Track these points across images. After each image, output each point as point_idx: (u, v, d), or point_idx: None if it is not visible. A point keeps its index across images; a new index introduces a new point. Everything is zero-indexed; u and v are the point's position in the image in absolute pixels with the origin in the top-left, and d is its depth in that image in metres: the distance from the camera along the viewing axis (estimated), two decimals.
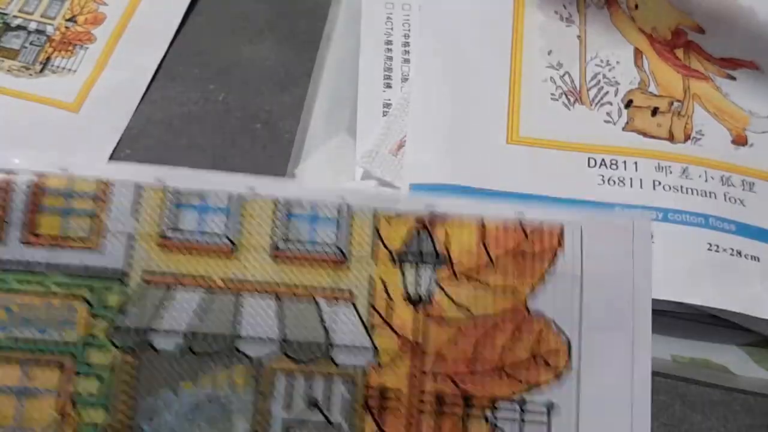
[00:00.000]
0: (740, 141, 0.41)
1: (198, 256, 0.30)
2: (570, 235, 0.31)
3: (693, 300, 0.36)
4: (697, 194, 0.39)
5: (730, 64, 0.43)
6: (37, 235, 0.30)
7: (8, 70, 0.42)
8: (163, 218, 0.30)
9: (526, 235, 0.31)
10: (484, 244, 0.31)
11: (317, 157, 0.41)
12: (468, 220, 0.31)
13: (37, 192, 0.30)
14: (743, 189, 0.39)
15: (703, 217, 0.38)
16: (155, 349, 0.30)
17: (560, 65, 0.42)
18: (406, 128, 0.41)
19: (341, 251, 0.31)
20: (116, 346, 0.30)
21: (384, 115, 0.42)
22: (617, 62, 0.43)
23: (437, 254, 0.31)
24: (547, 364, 0.31)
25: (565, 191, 0.39)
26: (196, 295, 0.30)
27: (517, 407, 0.30)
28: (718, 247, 0.37)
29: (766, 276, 0.37)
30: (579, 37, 0.43)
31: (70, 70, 0.42)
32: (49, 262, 0.30)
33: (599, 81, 0.42)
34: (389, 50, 0.44)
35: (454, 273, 0.31)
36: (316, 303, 0.31)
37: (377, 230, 0.31)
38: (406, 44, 0.44)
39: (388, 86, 0.43)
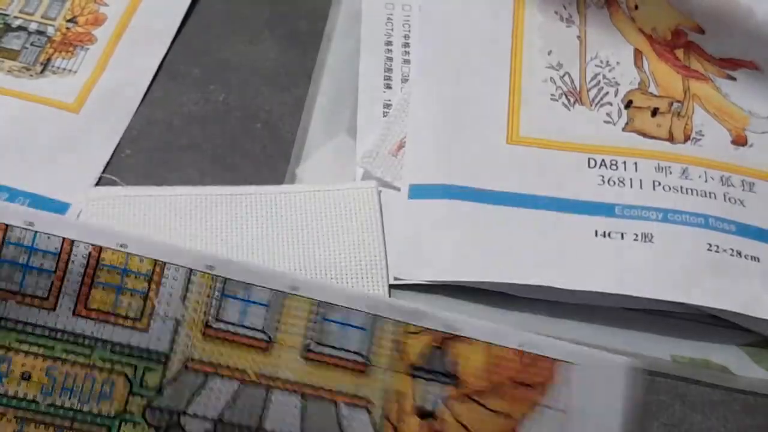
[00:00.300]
0: (740, 141, 0.41)
1: (237, 348, 0.32)
2: (564, 371, 0.33)
3: (693, 300, 0.36)
4: (697, 194, 0.39)
5: (730, 65, 0.43)
6: (89, 309, 0.31)
7: (9, 71, 0.42)
8: (209, 307, 0.32)
9: (526, 366, 0.33)
10: (492, 369, 0.33)
11: (317, 157, 0.41)
12: (479, 343, 0.33)
13: (94, 265, 0.31)
14: (743, 189, 0.39)
15: (703, 218, 0.38)
16: (185, 431, 0.31)
17: (560, 65, 0.42)
18: (406, 128, 0.41)
19: (367, 359, 0.32)
20: (149, 424, 0.31)
21: (384, 116, 0.42)
22: (617, 63, 0.43)
23: (448, 373, 0.33)
24: None
25: (565, 191, 0.39)
26: (231, 385, 0.31)
27: None
28: (718, 247, 0.37)
29: (766, 276, 0.37)
30: (579, 37, 0.43)
31: (70, 70, 0.42)
32: (96, 336, 0.31)
33: (599, 81, 0.42)
34: (389, 50, 0.44)
35: (462, 392, 0.33)
36: (336, 405, 0.32)
37: (400, 343, 0.33)
38: (406, 44, 0.44)
39: (388, 87, 0.43)
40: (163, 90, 0.43)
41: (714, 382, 0.36)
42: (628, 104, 0.42)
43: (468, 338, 0.33)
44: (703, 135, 0.41)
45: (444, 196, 0.39)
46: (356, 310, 0.32)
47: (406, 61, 0.44)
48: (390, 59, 0.43)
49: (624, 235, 0.38)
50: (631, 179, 0.39)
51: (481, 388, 0.33)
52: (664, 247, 0.37)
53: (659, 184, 0.39)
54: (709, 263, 0.37)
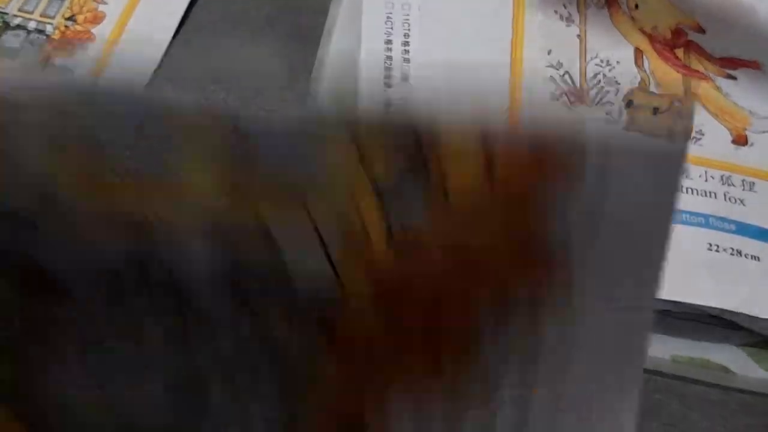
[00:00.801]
0: (740, 141, 0.41)
1: None
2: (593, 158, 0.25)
3: (693, 300, 0.36)
4: (697, 194, 0.39)
5: (730, 64, 0.43)
6: None
7: None
8: None
9: (540, 157, 0.24)
10: (488, 171, 0.25)
11: None
12: (471, 146, 0.24)
13: None
14: (743, 189, 0.39)
15: (703, 217, 0.38)
16: None
17: (560, 65, 0.42)
18: None
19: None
20: None
21: None
22: (617, 62, 0.43)
23: (429, 183, 0.25)
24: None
25: None
26: None
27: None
28: (718, 247, 0.37)
29: (766, 276, 0.37)
30: (579, 36, 0.43)
31: (69, 70, 0.42)
32: None
33: (599, 81, 0.42)
34: (389, 50, 0.44)
35: (448, 202, 0.25)
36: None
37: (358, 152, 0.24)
38: (406, 43, 0.44)
39: (388, 86, 0.43)
40: (162, 90, 0.43)
41: (713, 382, 0.36)
42: (629, 104, 0.42)
43: (456, 137, 0.24)
44: (703, 134, 0.41)
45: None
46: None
47: (406, 60, 0.43)
48: (390, 59, 0.43)
49: None
50: None
51: (474, 197, 0.24)
52: None
53: None
54: (709, 263, 0.37)
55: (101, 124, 0.23)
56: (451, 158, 0.24)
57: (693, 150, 0.40)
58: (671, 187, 0.25)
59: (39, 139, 0.23)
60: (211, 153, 0.24)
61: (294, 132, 0.24)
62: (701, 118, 0.42)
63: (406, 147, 0.24)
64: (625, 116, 0.41)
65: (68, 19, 0.44)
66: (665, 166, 0.25)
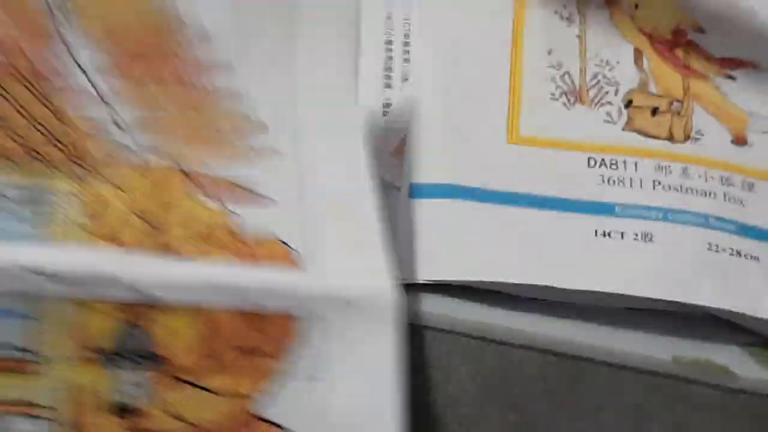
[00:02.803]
0: (740, 141, 0.41)
1: None
2: (306, 329, 0.27)
3: (693, 300, 0.36)
4: (697, 194, 0.39)
5: (730, 64, 0.43)
6: None
7: None
8: None
9: (256, 327, 0.27)
10: (207, 339, 0.26)
11: None
12: (189, 309, 0.26)
13: None
14: (743, 189, 0.40)
15: (703, 217, 0.38)
16: None
17: (560, 65, 0.42)
18: (407, 128, 0.41)
19: (33, 353, 0.25)
20: None
21: (384, 115, 0.41)
22: (617, 62, 0.43)
23: (151, 353, 0.26)
24: None
25: (564, 191, 0.39)
26: None
27: None
28: (718, 247, 0.38)
29: (766, 276, 0.37)
30: (579, 36, 0.43)
31: None
32: None
33: (599, 81, 0.42)
34: (389, 50, 0.44)
35: (173, 376, 0.26)
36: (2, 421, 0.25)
37: (80, 325, 0.26)
38: (407, 43, 0.44)
39: (388, 86, 0.43)
40: None
41: (715, 383, 0.36)
42: (628, 103, 0.42)
43: (171, 306, 0.26)
44: (703, 134, 0.41)
45: (445, 195, 0.39)
46: (8, 292, 0.25)
47: (406, 61, 0.43)
48: (390, 59, 0.43)
49: (624, 235, 0.38)
50: (631, 179, 0.39)
51: (196, 366, 0.26)
52: (664, 246, 0.37)
53: (659, 183, 0.39)
54: (709, 263, 0.37)
55: None
56: (170, 331, 0.26)
57: (693, 150, 0.41)
58: (392, 334, 0.27)
59: None
60: None
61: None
62: (701, 119, 0.42)
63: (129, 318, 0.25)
64: (624, 116, 0.41)
65: None
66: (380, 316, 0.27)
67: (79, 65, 0.29)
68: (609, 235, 0.38)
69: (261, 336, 0.27)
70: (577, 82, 0.42)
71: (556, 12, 0.44)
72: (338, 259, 0.29)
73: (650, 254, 0.37)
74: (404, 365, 0.27)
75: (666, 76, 0.43)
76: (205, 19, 0.31)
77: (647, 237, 0.38)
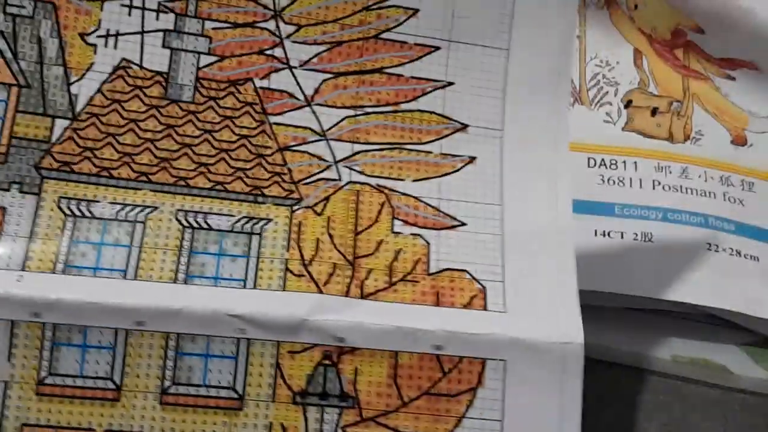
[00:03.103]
0: (740, 141, 0.41)
1: (79, 404, 0.27)
2: (492, 372, 0.28)
3: (693, 300, 0.36)
4: (697, 194, 0.39)
5: (729, 64, 0.43)
6: None
7: None
8: (41, 360, 0.27)
9: (444, 372, 0.28)
10: (396, 384, 0.28)
11: None
12: (380, 354, 0.28)
13: None
14: (743, 189, 0.40)
15: (703, 217, 0.38)
16: None
17: None
18: None
19: (239, 393, 0.28)
20: None
21: None
22: (617, 62, 0.43)
23: (344, 394, 0.28)
24: None
25: None
26: None
27: None
28: (717, 247, 0.38)
29: (765, 276, 0.37)
30: (579, 37, 0.43)
31: None
32: None
33: (599, 81, 0.42)
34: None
35: (362, 417, 0.28)
36: None
37: (279, 366, 0.28)
38: None
39: None
40: None
41: (714, 382, 0.36)
42: (628, 104, 0.42)
43: (361, 349, 0.28)
44: (702, 135, 0.41)
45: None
46: (219, 336, 0.28)
47: None
48: None
49: (624, 235, 0.38)
50: (631, 179, 0.39)
51: (385, 408, 0.28)
52: (664, 246, 0.37)
53: (659, 183, 0.39)
54: (709, 263, 0.37)
55: None
56: (362, 375, 0.28)
57: (693, 150, 0.41)
58: (574, 386, 0.28)
59: None
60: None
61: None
62: (701, 119, 0.42)
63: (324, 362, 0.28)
64: (624, 116, 0.41)
65: None
66: (566, 366, 0.28)
67: (292, 71, 0.31)
68: (609, 235, 0.38)
69: (447, 379, 0.28)
70: (577, 83, 0.42)
71: None
72: (525, 299, 0.30)
73: (650, 254, 0.37)
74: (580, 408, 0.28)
75: (666, 77, 0.43)
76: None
77: (647, 237, 0.38)
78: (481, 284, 0.30)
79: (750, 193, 0.40)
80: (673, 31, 0.44)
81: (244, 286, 0.29)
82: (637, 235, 0.38)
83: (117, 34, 0.31)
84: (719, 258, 0.37)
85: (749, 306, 0.36)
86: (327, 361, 0.28)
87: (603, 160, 0.40)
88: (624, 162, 0.40)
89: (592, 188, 0.39)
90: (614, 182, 0.39)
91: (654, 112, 0.42)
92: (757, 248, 0.38)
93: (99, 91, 0.30)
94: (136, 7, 0.31)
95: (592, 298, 0.36)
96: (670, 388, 0.36)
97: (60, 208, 0.29)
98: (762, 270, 0.37)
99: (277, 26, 0.31)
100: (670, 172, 0.40)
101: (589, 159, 0.40)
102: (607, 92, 0.42)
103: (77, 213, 0.29)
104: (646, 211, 0.38)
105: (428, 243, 0.30)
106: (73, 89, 0.31)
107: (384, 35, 0.32)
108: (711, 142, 0.41)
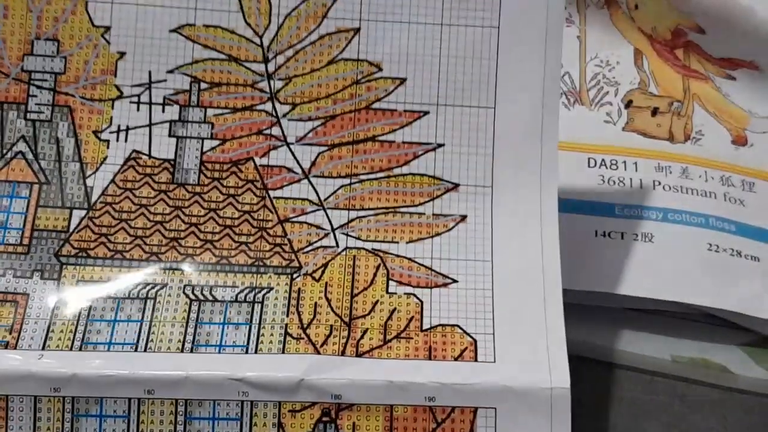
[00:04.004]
0: (740, 141, 0.41)
1: None
2: (483, 420, 0.30)
3: (693, 300, 0.36)
4: (697, 194, 0.39)
5: (729, 65, 0.43)
6: None
7: None
8: None
9: (437, 423, 0.30)
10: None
11: None
12: (375, 408, 0.30)
13: None
14: (743, 189, 0.40)
15: (703, 217, 0.38)
16: None
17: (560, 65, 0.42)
18: None
19: None
20: None
21: None
22: (617, 62, 0.43)
23: None
24: None
25: (565, 191, 0.39)
26: None
27: None
28: (718, 247, 0.37)
29: (766, 276, 0.37)
30: (579, 37, 0.43)
31: None
32: None
33: (599, 81, 0.42)
34: None
35: None
36: None
37: (281, 425, 0.30)
38: None
39: None
40: None
41: (713, 382, 0.36)
42: (628, 104, 0.42)
43: (357, 404, 0.30)
44: (703, 135, 0.41)
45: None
46: (224, 400, 0.29)
47: None
48: None
49: (624, 235, 0.38)
50: (631, 179, 0.39)
51: None
52: (664, 246, 0.37)
53: (659, 183, 0.39)
54: (709, 263, 0.37)
55: None
56: (360, 429, 0.30)
57: (693, 150, 0.41)
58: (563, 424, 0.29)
59: None
60: None
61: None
62: (701, 119, 0.42)
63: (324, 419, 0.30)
64: (624, 116, 0.41)
65: None
66: (554, 407, 0.29)
67: (290, 147, 0.34)
68: (609, 235, 0.38)
69: (440, 429, 0.30)
70: (577, 83, 0.42)
71: None
72: (513, 348, 0.31)
73: (650, 254, 0.37)
74: None
75: (666, 77, 0.43)
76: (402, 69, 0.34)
77: (647, 237, 0.38)
78: (471, 337, 0.31)
79: (750, 193, 0.40)
80: (674, 31, 0.44)
81: (246, 352, 0.31)
82: (637, 235, 0.38)
83: (127, 129, 0.34)
84: (719, 258, 0.37)
85: (749, 306, 0.36)
86: (326, 418, 0.30)
87: (603, 160, 0.40)
88: (624, 162, 0.40)
89: (592, 188, 0.39)
90: (614, 182, 0.39)
91: (654, 112, 0.42)
92: (757, 248, 0.38)
93: (112, 181, 0.33)
94: (144, 103, 0.34)
95: (592, 298, 0.36)
96: (670, 388, 0.36)
97: (78, 291, 0.32)
98: (762, 270, 0.37)
99: (274, 107, 0.33)
100: (671, 172, 0.40)
101: (589, 159, 0.40)
102: (608, 92, 0.42)
103: (94, 294, 0.32)
104: (646, 211, 0.38)
105: (421, 301, 0.32)
106: (89, 182, 0.33)
107: (374, 105, 0.34)
108: (711, 142, 0.41)
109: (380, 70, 0.34)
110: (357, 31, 0.34)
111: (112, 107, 0.34)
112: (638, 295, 0.36)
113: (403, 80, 0.34)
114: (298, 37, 0.34)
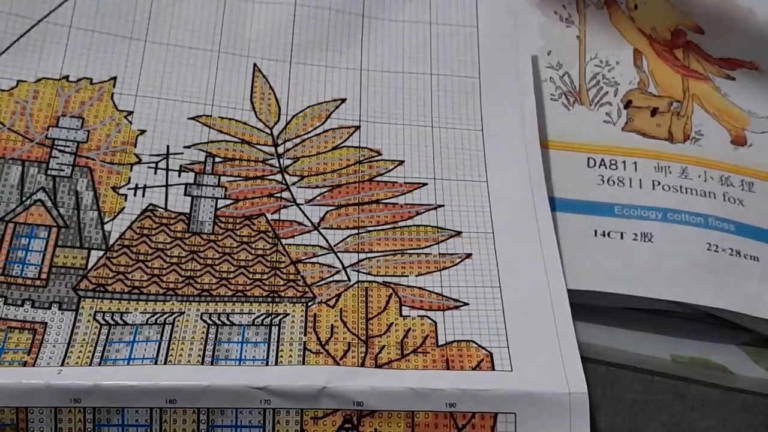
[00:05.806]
0: (739, 141, 0.41)
1: None
2: (503, 425, 0.30)
3: (693, 300, 0.36)
4: (697, 194, 0.39)
5: (729, 65, 0.43)
6: None
7: None
8: None
9: (458, 428, 0.30)
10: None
11: None
12: (397, 414, 0.30)
13: None
14: (742, 189, 0.40)
15: (702, 217, 0.38)
16: None
17: (560, 65, 0.42)
18: None
19: None
20: None
21: None
22: (617, 62, 0.43)
23: None
24: None
25: (565, 191, 0.39)
26: None
27: None
28: (717, 247, 0.37)
29: (765, 276, 0.37)
30: (579, 37, 0.43)
31: None
32: None
33: (599, 81, 0.42)
34: None
35: None
36: None
37: (303, 431, 0.30)
38: None
39: None
40: None
41: (713, 382, 0.36)
42: (628, 104, 0.42)
43: (383, 411, 0.30)
44: (702, 135, 0.41)
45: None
46: (246, 408, 0.30)
47: None
48: None
49: (624, 235, 0.38)
50: (630, 179, 0.39)
51: None
52: (664, 246, 0.37)
53: (659, 183, 0.39)
54: (709, 263, 0.37)
55: None
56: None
57: (692, 150, 0.41)
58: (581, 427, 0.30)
59: None
60: None
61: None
62: (700, 119, 0.42)
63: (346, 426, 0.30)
64: (624, 116, 0.41)
65: None
66: (572, 411, 0.31)
67: (299, 207, 0.36)
68: (609, 235, 0.38)
69: None
70: (576, 83, 0.42)
71: (555, 12, 0.44)
72: (529, 357, 0.32)
73: (650, 254, 0.37)
74: None
75: (665, 77, 0.43)
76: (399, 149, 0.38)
77: (647, 237, 0.38)
78: (487, 350, 0.32)
79: (750, 193, 0.40)
80: (673, 31, 0.44)
81: (267, 364, 0.31)
82: (637, 235, 0.38)
83: (144, 187, 0.36)
84: (719, 258, 0.37)
85: (749, 306, 0.36)
86: (348, 425, 0.30)
87: (603, 160, 0.40)
88: (624, 162, 0.40)
89: (592, 188, 0.39)
90: (614, 182, 0.39)
91: (654, 112, 0.42)
92: (756, 248, 0.38)
93: (129, 227, 0.35)
94: (161, 169, 0.36)
95: (592, 298, 0.36)
96: (670, 388, 0.36)
97: (96, 320, 0.33)
98: (762, 270, 0.37)
99: (283, 178, 0.37)
100: (670, 172, 0.40)
101: (589, 159, 0.40)
102: (607, 92, 0.42)
103: (111, 322, 0.33)
104: (646, 211, 0.38)
105: (435, 322, 0.33)
106: (107, 227, 0.35)
107: (377, 179, 0.37)
108: (711, 142, 0.41)
109: (380, 154, 0.38)
110: (357, 128, 0.38)
111: (131, 170, 0.36)
112: (638, 295, 0.36)
113: (401, 161, 0.38)
114: (305, 130, 0.38)
